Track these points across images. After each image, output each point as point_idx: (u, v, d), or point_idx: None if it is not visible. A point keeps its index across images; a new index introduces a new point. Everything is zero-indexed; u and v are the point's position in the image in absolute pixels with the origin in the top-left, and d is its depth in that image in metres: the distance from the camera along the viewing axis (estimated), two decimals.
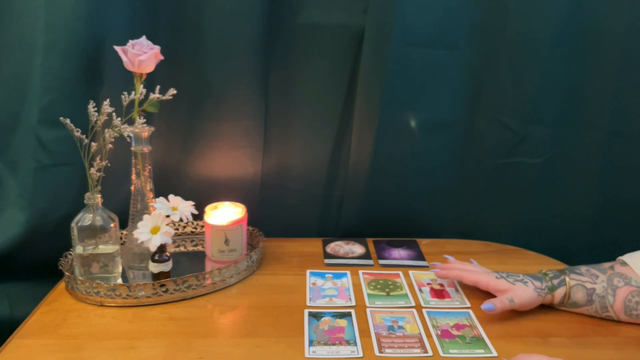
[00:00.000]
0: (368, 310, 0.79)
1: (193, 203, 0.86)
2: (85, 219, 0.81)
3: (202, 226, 0.98)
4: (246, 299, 0.82)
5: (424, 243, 1.02)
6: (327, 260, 0.95)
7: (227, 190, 0.98)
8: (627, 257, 0.77)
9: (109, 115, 0.80)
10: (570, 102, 0.95)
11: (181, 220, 0.83)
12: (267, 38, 0.93)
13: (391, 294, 0.84)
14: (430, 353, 0.69)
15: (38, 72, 0.81)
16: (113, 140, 0.80)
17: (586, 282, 0.76)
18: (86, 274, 0.83)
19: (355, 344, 0.71)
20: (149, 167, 0.87)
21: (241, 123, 0.98)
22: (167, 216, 0.82)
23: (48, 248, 0.86)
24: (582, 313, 0.77)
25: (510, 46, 0.92)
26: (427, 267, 0.93)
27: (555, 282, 0.77)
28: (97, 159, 0.80)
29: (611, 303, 0.75)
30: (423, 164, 1.01)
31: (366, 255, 0.97)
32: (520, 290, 0.76)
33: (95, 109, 0.79)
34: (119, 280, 0.85)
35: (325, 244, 1.01)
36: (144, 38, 0.82)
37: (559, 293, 0.76)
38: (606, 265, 0.78)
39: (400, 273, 0.91)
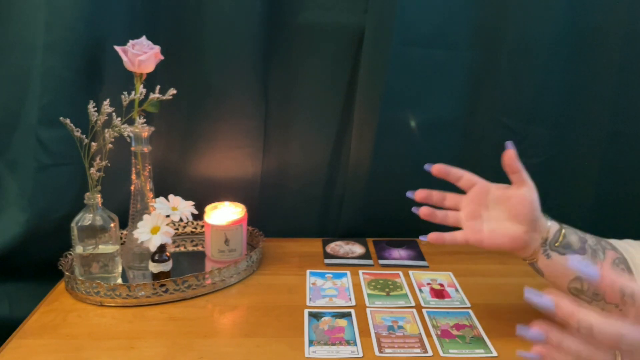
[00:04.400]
0: (368, 310, 0.79)
1: (193, 203, 0.86)
2: (85, 219, 0.81)
3: (202, 226, 0.98)
4: (246, 299, 0.82)
5: (424, 243, 1.02)
6: (327, 260, 0.95)
7: (227, 190, 0.98)
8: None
9: (109, 115, 0.80)
10: (570, 102, 0.95)
11: (181, 220, 0.83)
12: (267, 38, 0.93)
13: (391, 294, 0.84)
14: (430, 353, 0.69)
15: (38, 72, 0.82)
16: (113, 140, 0.80)
17: (578, 231, 0.72)
18: (86, 274, 0.83)
19: (355, 344, 0.71)
20: (149, 167, 0.87)
21: (241, 123, 0.98)
22: (167, 216, 0.82)
23: (48, 248, 0.86)
24: (569, 270, 0.69)
25: (510, 46, 0.92)
26: (427, 267, 0.93)
27: (547, 217, 0.72)
28: (97, 159, 0.80)
29: (602, 259, 0.69)
30: (423, 164, 1.00)
31: (366, 255, 0.97)
32: (502, 228, 0.70)
33: (95, 109, 0.79)
34: (119, 280, 0.85)
35: (325, 244, 1.01)
36: (144, 38, 0.82)
37: (553, 227, 0.70)
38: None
39: (400, 273, 0.91)
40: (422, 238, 0.74)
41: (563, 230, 0.70)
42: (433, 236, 0.73)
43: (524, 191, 0.70)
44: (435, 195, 0.75)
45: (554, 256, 0.70)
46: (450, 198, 0.75)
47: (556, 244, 0.70)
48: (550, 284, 0.72)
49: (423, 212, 0.74)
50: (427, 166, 0.75)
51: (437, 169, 0.74)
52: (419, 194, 0.75)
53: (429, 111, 0.97)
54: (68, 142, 0.81)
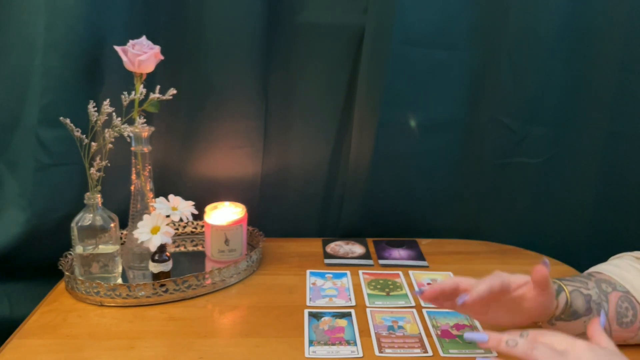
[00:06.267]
0: (368, 310, 0.79)
1: (193, 203, 0.86)
2: (85, 219, 0.81)
3: (202, 226, 0.98)
4: (246, 299, 0.82)
5: (424, 243, 1.02)
6: (327, 260, 0.95)
7: (227, 190, 0.98)
8: (598, 267, 0.74)
9: (109, 115, 0.80)
10: (570, 102, 0.95)
11: (181, 220, 0.83)
12: (267, 38, 0.93)
13: (391, 294, 0.84)
14: (430, 353, 0.69)
15: (38, 72, 0.82)
16: (113, 140, 0.80)
17: (581, 288, 0.68)
18: (86, 274, 0.83)
19: (355, 344, 0.71)
20: (149, 167, 0.87)
21: (241, 123, 0.98)
22: (167, 216, 0.82)
23: (48, 248, 0.86)
24: (575, 330, 0.66)
25: (510, 46, 0.92)
26: (427, 267, 0.93)
27: (555, 287, 0.66)
28: (97, 159, 0.80)
29: (606, 310, 0.67)
30: (423, 164, 1.01)
31: (366, 255, 0.97)
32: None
33: (95, 109, 0.79)
34: (119, 280, 0.85)
35: (325, 244, 1.01)
36: (144, 38, 0.82)
37: (561, 301, 0.66)
38: (584, 274, 0.73)
39: (400, 273, 0.91)
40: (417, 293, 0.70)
41: (569, 301, 0.66)
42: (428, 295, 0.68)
43: (544, 299, 0.63)
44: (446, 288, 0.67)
45: (559, 324, 0.67)
46: (463, 284, 0.66)
47: (562, 315, 0.66)
48: None
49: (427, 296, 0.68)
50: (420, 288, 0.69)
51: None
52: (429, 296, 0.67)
53: (429, 111, 0.97)
54: (68, 142, 0.81)
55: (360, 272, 0.91)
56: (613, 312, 0.67)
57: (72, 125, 0.78)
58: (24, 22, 0.81)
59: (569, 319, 0.67)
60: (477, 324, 0.76)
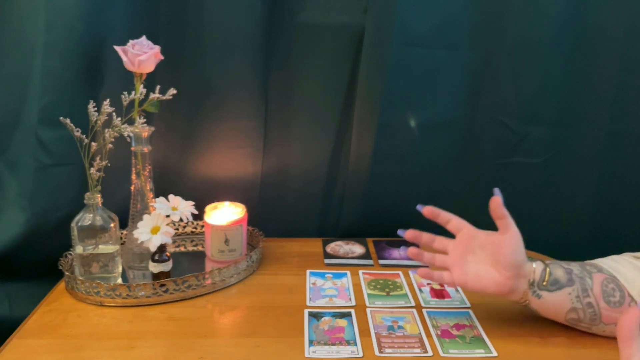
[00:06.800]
0: (368, 310, 0.79)
1: (193, 203, 0.86)
2: (85, 219, 0.81)
3: (202, 226, 0.98)
4: (246, 299, 0.82)
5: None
6: (327, 260, 0.95)
7: (227, 190, 0.98)
8: (591, 260, 0.76)
9: (109, 115, 0.80)
10: (570, 102, 0.95)
11: (181, 220, 0.83)
12: (267, 38, 0.93)
13: (391, 294, 0.84)
14: (430, 353, 0.69)
15: (38, 72, 0.82)
16: (113, 140, 0.80)
17: (561, 263, 0.73)
18: (86, 274, 0.83)
19: (355, 344, 0.71)
20: (149, 167, 0.87)
21: (241, 123, 0.98)
22: (167, 216, 0.82)
23: (48, 248, 0.86)
24: (562, 304, 0.70)
25: (510, 46, 0.92)
26: (427, 267, 0.93)
27: (531, 259, 0.72)
28: (97, 159, 0.80)
29: (590, 286, 0.70)
30: (423, 164, 1.01)
31: (366, 255, 0.97)
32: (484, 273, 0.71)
33: (95, 109, 0.79)
34: (119, 280, 0.85)
35: (325, 244, 1.01)
36: (144, 38, 0.82)
37: (538, 267, 0.71)
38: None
39: (400, 273, 0.91)
40: (413, 271, 0.77)
41: (548, 268, 0.71)
42: (423, 272, 0.75)
43: (508, 237, 0.71)
44: (425, 237, 0.77)
45: (544, 295, 0.71)
46: (439, 241, 0.76)
47: (544, 283, 0.71)
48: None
49: (411, 251, 0.76)
50: (419, 207, 0.76)
51: (428, 210, 0.76)
52: (409, 234, 0.76)
53: (429, 111, 0.97)
54: (68, 142, 0.81)
55: (360, 272, 0.91)
56: (598, 289, 0.70)
57: (72, 125, 0.78)
58: (24, 22, 0.81)
59: (552, 288, 0.70)
60: (476, 323, 0.76)
